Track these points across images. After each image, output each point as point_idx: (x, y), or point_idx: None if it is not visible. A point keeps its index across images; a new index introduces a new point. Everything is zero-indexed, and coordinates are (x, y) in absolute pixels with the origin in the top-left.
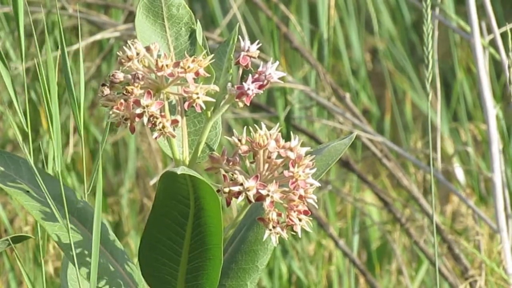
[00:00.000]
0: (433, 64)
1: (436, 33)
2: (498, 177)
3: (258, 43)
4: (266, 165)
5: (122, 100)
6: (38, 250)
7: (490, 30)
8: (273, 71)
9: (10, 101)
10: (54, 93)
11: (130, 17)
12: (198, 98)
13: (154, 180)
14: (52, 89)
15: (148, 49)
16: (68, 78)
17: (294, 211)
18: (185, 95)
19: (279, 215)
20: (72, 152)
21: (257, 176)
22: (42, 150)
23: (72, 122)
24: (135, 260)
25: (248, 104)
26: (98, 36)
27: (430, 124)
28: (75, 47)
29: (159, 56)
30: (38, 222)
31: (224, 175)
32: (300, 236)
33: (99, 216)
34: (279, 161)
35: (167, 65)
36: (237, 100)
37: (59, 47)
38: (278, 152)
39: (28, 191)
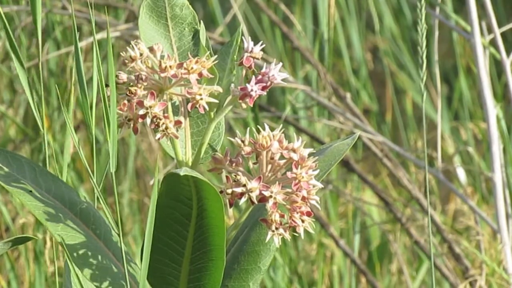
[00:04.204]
0: (428, 64)
1: (437, 32)
2: (498, 177)
3: (261, 44)
4: (269, 166)
5: (125, 101)
6: (39, 250)
7: (490, 30)
8: (277, 72)
9: (10, 100)
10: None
11: (131, 16)
12: (201, 99)
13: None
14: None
15: (151, 49)
16: (80, 77)
17: (297, 213)
18: (189, 96)
19: (281, 216)
20: (72, 152)
21: (260, 177)
22: (42, 150)
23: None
24: (137, 260)
25: (251, 106)
26: (98, 36)
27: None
28: (81, 44)
29: (162, 57)
30: (41, 222)
31: (227, 176)
32: (302, 237)
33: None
34: (282, 162)
35: (170, 66)
36: (240, 101)
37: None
38: (281, 153)
39: (30, 191)
